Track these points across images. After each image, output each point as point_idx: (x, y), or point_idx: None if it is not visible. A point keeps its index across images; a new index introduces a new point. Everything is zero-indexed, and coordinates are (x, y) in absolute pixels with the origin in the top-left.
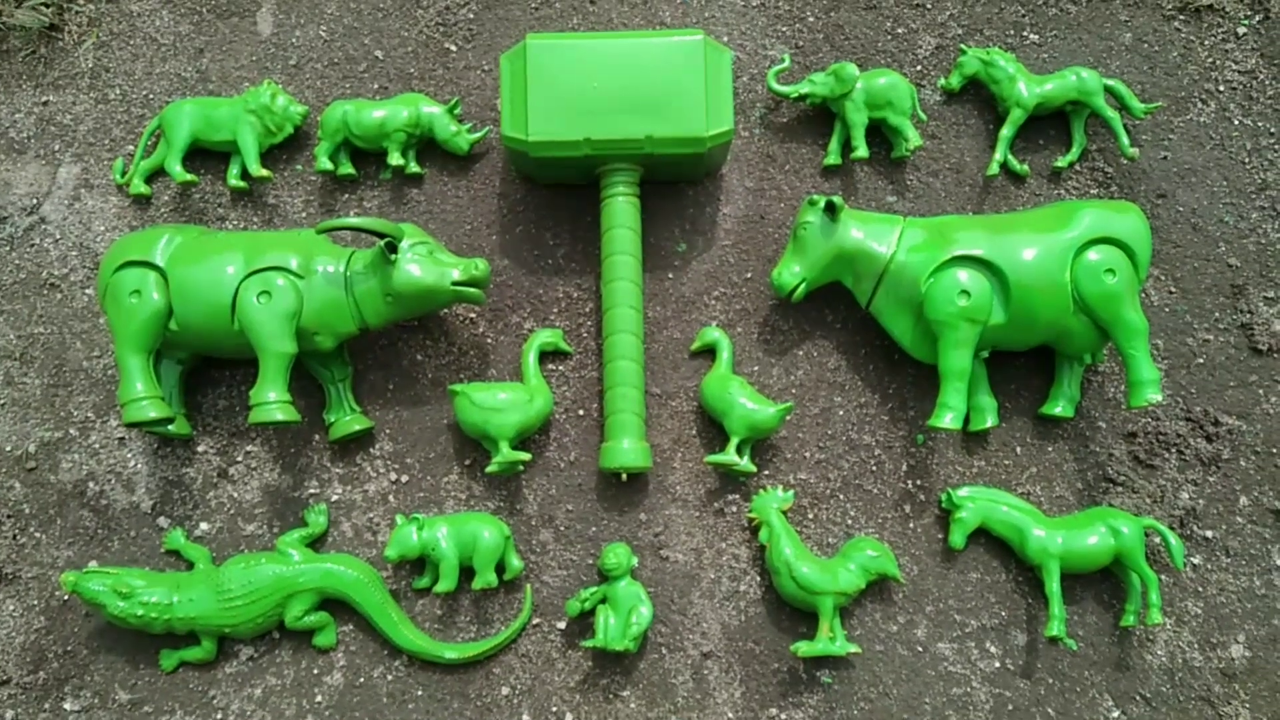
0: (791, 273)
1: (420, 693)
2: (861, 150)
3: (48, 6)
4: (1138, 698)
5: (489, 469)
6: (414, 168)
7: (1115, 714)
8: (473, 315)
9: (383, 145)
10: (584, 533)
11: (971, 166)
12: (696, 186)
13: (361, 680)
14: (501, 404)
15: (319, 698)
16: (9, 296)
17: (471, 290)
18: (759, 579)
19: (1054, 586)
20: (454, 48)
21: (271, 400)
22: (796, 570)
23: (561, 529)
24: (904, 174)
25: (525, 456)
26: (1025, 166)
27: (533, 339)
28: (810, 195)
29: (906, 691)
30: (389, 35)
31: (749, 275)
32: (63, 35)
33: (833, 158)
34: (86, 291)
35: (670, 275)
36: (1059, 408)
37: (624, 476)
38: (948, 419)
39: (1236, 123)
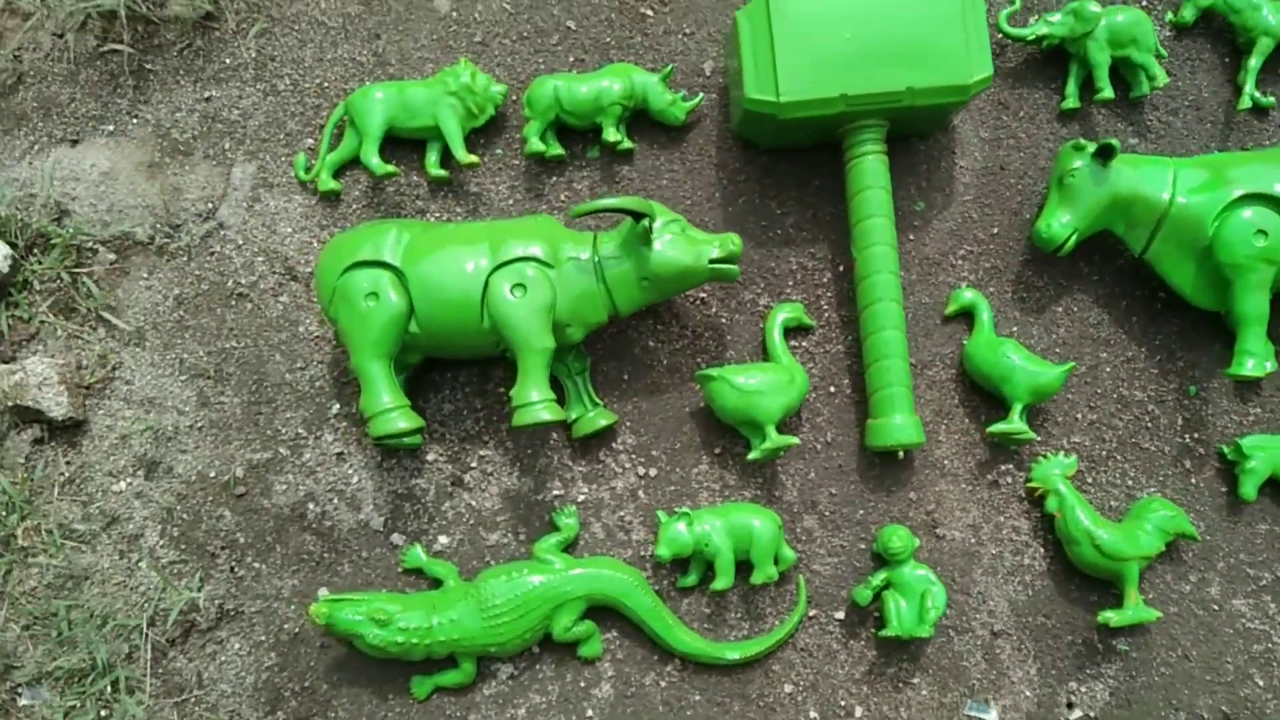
0: (1060, 223)
1: (698, 697)
2: (1107, 91)
3: None
4: None
5: (751, 456)
6: (627, 143)
7: None
8: (704, 295)
9: (596, 121)
10: (851, 516)
11: (1210, 102)
12: (929, 140)
13: (633, 690)
14: (764, 386)
15: (589, 712)
16: (194, 311)
17: (728, 267)
18: (1043, 550)
19: None
20: (650, 12)
21: (535, 400)
22: (1098, 538)
23: (827, 514)
24: (1143, 114)
25: (794, 441)
26: (1271, 99)
27: (774, 315)
28: (1076, 140)
29: (1206, 652)
30: (579, 3)
31: (995, 230)
32: (221, 25)
33: (1071, 100)
34: (280, 299)
35: (911, 236)
36: (1247, 366)
37: (901, 454)
38: (1249, 365)
39: None
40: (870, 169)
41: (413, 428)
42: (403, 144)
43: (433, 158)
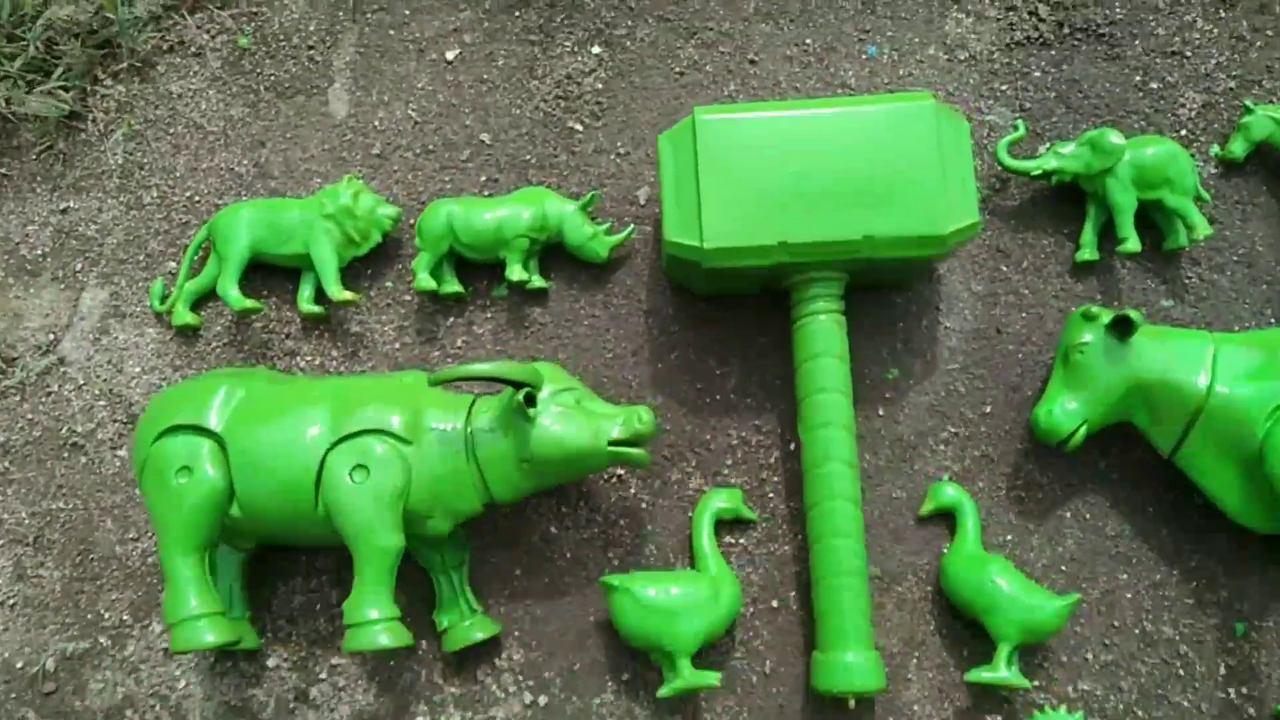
0: (1066, 411)
1: None
2: (1131, 242)
3: (66, 90)
4: None
5: (661, 692)
6: (538, 282)
7: None
8: (620, 473)
9: (499, 255)
10: None
11: (1267, 257)
12: (908, 293)
13: None
14: (679, 604)
15: None
16: (20, 462)
17: (633, 451)
18: None
19: None
20: (579, 126)
21: (373, 619)
22: None
23: None
24: (1179, 270)
25: (713, 680)
26: None
27: (704, 505)
28: (1086, 307)
29: None
30: (497, 113)
31: (987, 409)
32: (86, 125)
33: (1088, 251)
34: (119, 454)
35: (881, 411)
36: None
37: (851, 703)
38: None
39: None
40: (821, 331)
41: (222, 641)
42: (278, 273)
43: (306, 291)
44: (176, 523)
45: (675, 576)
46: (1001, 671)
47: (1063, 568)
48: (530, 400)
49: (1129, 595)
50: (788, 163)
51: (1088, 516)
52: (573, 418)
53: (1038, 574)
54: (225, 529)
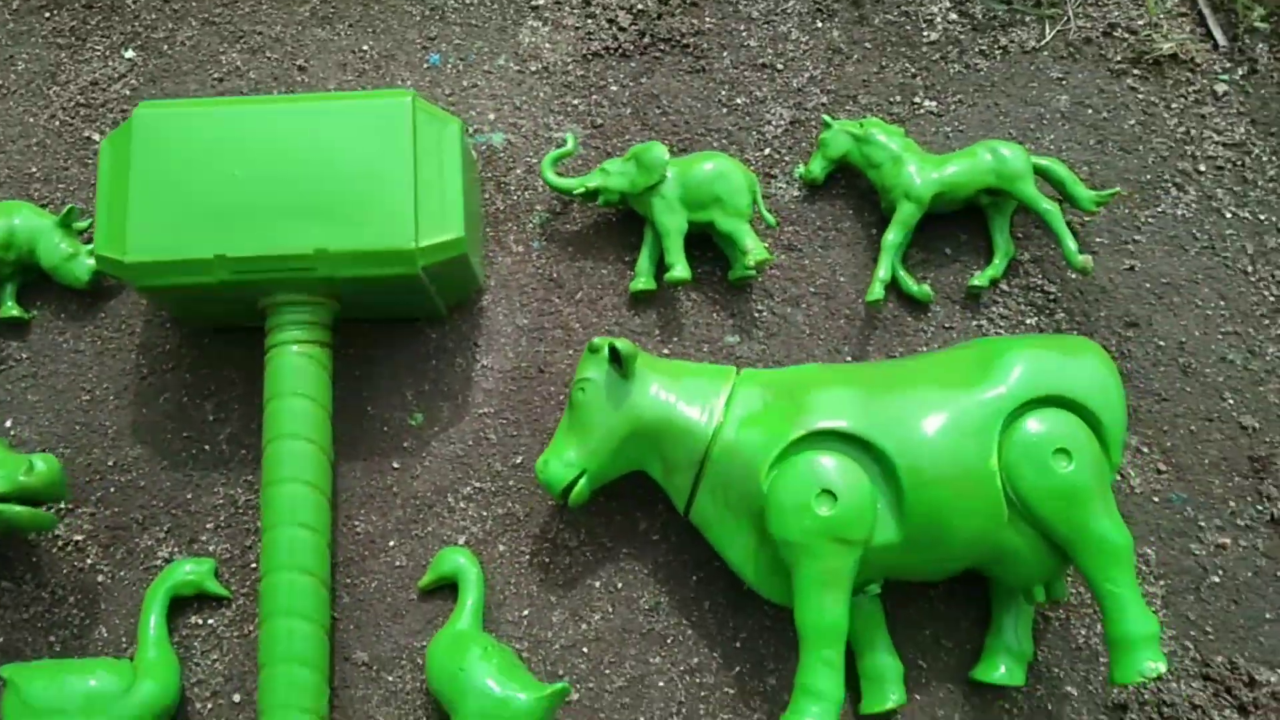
0: (564, 461)
1: None
2: (680, 269)
3: None
4: None
5: None
6: (13, 311)
7: None
8: (76, 538)
9: None
10: None
11: (848, 289)
12: (441, 327)
13: None
14: (78, 701)
15: None
16: None
17: (20, 511)
18: None
19: None
20: (97, 136)
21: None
22: None
23: None
24: (748, 303)
25: None
26: (925, 288)
27: (163, 577)
28: (594, 339)
29: None
30: (7, 122)
31: (518, 460)
32: None
33: (643, 280)
34: None
35: (397, 464)
36: (1000, 670)
37: None
38: (813, 712)
39: (1229, 215)
40: (288, 367)
41: None
42: None
43: None
44: None
45: (90, 664)
46: None
47: (585, 649)
48: None
49: (661, 682)
50: (235, 165)
51: (619, 586)
52: None
53: (554, 657)
54: None
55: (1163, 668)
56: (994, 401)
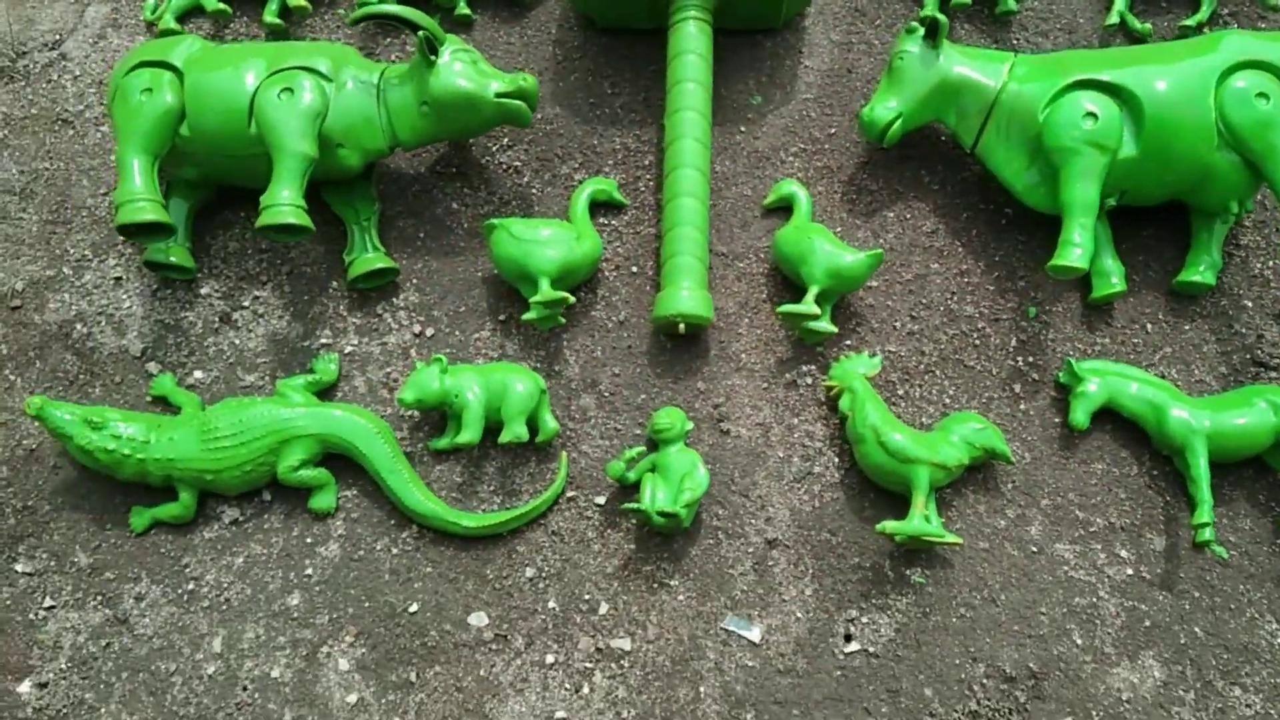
0: (886, 107)
1: (429, 569)
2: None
3: None
4: None
5: (527, 315)
6: (464, 10)
7: None
8: (517, 163)
9: None
10: (632, 400)
11: (1084, 26)
12: (774, 37)
13: (361, 553)
14: (544, 238)
15: (309, 570)
16: (17, 131)
17: (516, 103)
18: (837, 460)
19: (1200, 467)
20: None
21: (284, 201)
22: (885, 436)
23: (606, 394)
24: (1009, 33)
25: (568, 298)
26: (1148, 25)
27: (584, 185)
28: (911, 23)
29: (1017, 598)
30: None
31: (833, 131)
32: None
33: (930, 7)
34: (101, 128)
35: (743, 129)
36: (1199, 273)
37: (681, 328)
38: (1074, 256)
39: None
40: (688, 61)
41: (157, 220)
42: None
43: (272, 6)
44: (135, 130)
45: (545, 222)
46: (809, 305)
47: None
48: (432, 48)
49: (938, 279)
50: None
51: (909, 216)
52: (467, 70)
53: None
54: (175, 155)
55: None
56: (1212, 59)
